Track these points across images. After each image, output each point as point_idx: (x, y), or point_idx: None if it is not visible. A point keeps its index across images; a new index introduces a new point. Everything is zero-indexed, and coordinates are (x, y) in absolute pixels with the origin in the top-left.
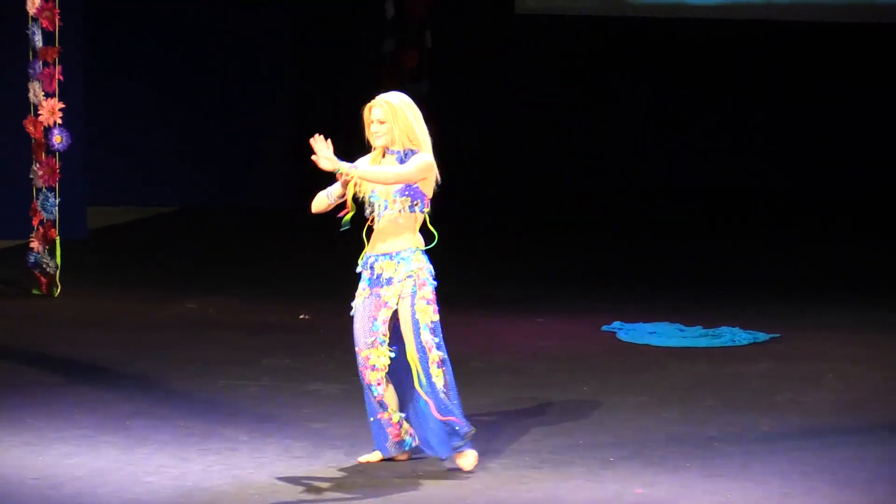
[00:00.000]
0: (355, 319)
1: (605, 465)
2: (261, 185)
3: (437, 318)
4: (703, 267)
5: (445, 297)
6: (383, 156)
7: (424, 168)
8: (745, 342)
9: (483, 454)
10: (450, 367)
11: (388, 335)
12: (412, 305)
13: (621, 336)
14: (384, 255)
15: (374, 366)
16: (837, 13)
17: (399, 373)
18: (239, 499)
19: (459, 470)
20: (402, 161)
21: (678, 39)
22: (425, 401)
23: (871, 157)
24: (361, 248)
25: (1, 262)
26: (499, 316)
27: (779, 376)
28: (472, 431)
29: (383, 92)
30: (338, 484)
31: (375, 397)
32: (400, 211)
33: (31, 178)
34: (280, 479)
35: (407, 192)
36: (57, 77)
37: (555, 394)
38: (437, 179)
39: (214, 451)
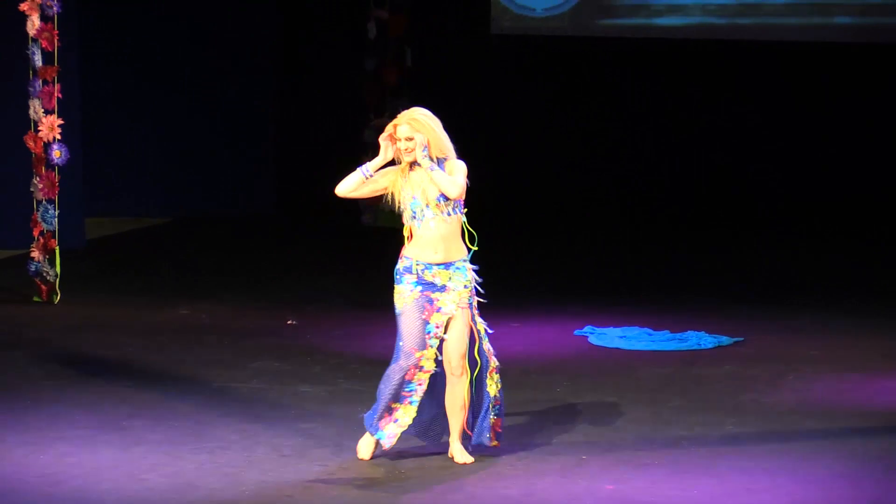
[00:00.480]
0: (405, 319)
1: (577, 462)
2: (248, 195)
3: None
4: (670, 275)
5: None
6: (411, 168)
7: (465, 173)
8: (710, 346)
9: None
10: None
11: (440, 340)
12: (473, 316)
13: (593, 340)
14: (439, 264)
15: (422, 367)
16: (794, 32)
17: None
18: (231, 495)
19: (444, 467)
20: (433, 170)
21: (646, 58)
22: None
23: (832, 166)
24: (345, 254)
25: (3, 270)
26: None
27: (742, 378)
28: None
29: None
30: (325, 481)
31: (408, 393)
32: (447, 214)
33: (32, 191)
34: (270, 476)
35: (446, 197)
36: (56, 95)
37: (529, 395)
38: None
39: (207, 451)
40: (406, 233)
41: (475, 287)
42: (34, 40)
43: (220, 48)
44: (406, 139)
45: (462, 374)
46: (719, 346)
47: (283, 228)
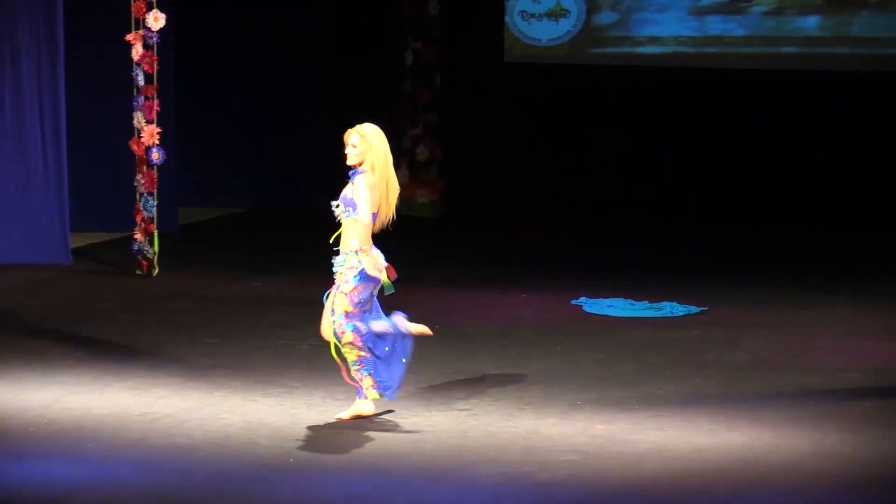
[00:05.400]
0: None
1: (573, 407)
2: (310, 189)
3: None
4: (649, 255)
5: (454, 277)
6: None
7: (360, 194)
8: (681, 314)
9: (478, 398)
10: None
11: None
12: (336, 295)
13: (586, 308)
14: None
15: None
16: (749, 60)
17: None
18: (294, 430)
19: (466, 409)
20: (352, 176)
21: (631, 80)
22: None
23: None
24: (386, 237)
25: (112, 249)
26: (491, 292)
27: (707, 339)
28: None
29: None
30: (371, 419)
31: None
32: (346, 214)
33: (135, 185)
34: (325, 416)
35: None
36: (155, 108)
37: (534, 352)
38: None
39: (274, 395)
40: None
41: (351, 275)
42: (138, 64)
43: (287, 68)
44: (351, 145)
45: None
46: (688, 315)
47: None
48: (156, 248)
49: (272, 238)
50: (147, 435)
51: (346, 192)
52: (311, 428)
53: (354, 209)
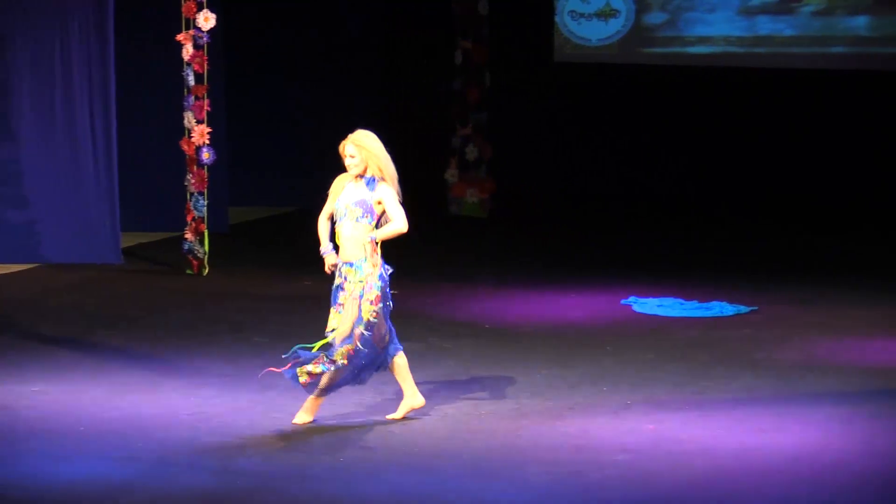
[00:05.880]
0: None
1: (623, 406)
2: None
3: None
4: (699, 255)
5: (504, 276)
6: (356, 180)
7: (396, 199)
8: (730, 313)
9: (528, 397)
10: None
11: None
12: (360, 305)
13: (635, 308)
14: (346, 263)
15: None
16: (799, 60)
17: None
18: (344, 430)
19: (516, 409)
20: (368, 184)
21: (680, 79)
22: None
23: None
24: (435, 236)
25: (163, 248)
26: (541, 292)
27: (756, 339)
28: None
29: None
30: (418, 418)
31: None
32: (356, 220)
33: (186, 185)
34: (375, 413)
35: (365, 202)
36: (205, 108)
37: (584, 352)
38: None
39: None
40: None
41: (375, 284)
42: (188, 64)
43: (337, 70)
44: (349, 156)
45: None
46: (738, 314)
47: None
48: (206, 247)
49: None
50: (197, 434)
51: (363, 196)
52: (360, 427)
53: (372, 216)
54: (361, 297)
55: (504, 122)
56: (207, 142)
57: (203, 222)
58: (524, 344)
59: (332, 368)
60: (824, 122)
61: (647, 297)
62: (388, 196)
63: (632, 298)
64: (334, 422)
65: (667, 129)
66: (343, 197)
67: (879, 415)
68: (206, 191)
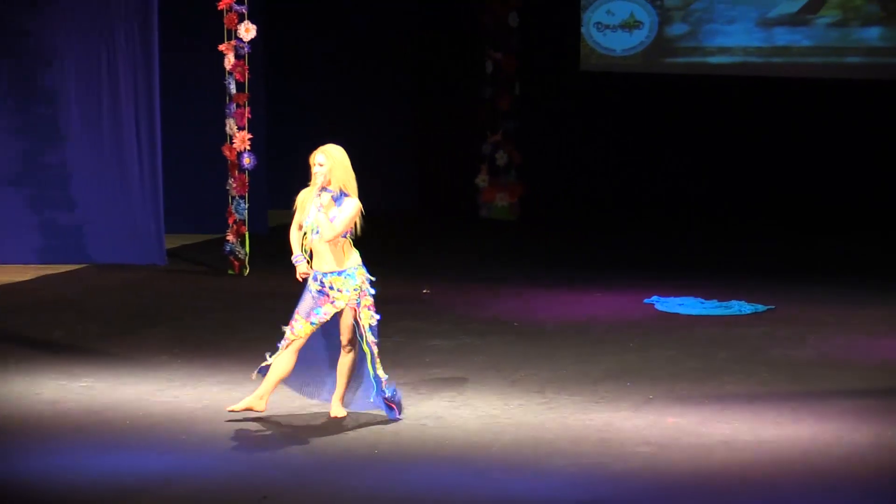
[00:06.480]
0: (303, 297)
1: (646, 400)
2: (395, 193)
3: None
4: (718, 256)
5: (533, 276)
6: (319, 193)
7: (353, 216)
8: (748, 312)
9: (555, 392)
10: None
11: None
12: (359, 312)
13: (658, 307)
14: (332, 272)
15: (293, 329)
16: (816, 69)
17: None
18: (379, 423)
19: (543, 403)
20: (337, 200)
21: (701, 88)
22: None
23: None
24: (466, 239)
25: (206, 249)
26: (567, 291)
27: (773, 337)
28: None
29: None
30: (451, 411)
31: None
32: None
33: (227, 189)
34: (411, 406)
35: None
36: (246, 116)
37: (608, 348)
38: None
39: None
40: (307, 247)
41: (366, 289)
42: (230, 73)
43: (372, 79)
44: (318, 164)
45: (349, 351)
46: (756, 313)
47: (422, 219)
48: (247, 248)
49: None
50: (238, 427)
51: (335, 214)
52: (395, 421)
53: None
54: (359, 304)
55: (532, 129)
56: (248, 147)
57: (244, 224)
58: (551, 341)
59: (384, 377)
60: (839, 129)
61: (668, 296)
62: (349, 210)
63: (654, 298)
64: (369, 415)
65: (687, 136)
66: (314, 214)
67: (890, 410)
68: (246, 194)
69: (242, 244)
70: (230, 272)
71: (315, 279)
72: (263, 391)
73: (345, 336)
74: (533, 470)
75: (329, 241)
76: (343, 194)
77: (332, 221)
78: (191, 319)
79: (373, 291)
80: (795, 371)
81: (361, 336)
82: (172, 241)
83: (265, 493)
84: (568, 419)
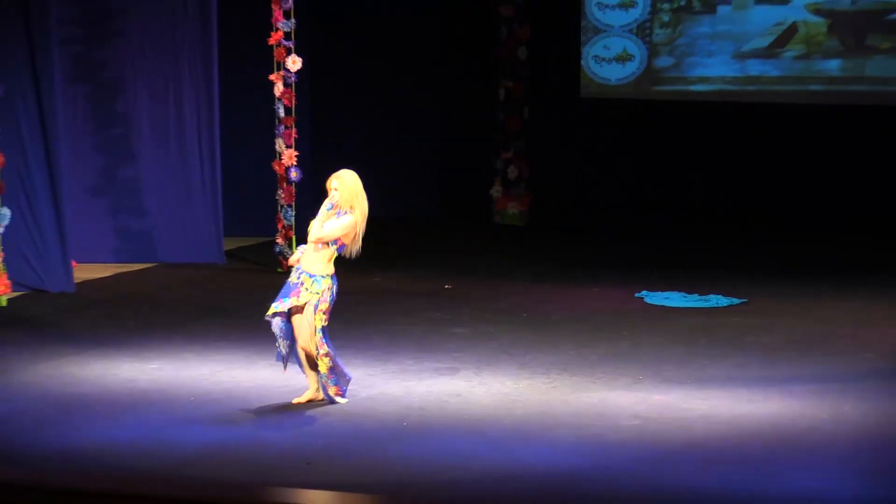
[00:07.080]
0: (288, 281)
1: (636, 381)
2: (418, 200)
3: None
4: (699, 256)
5: (539, 274)
6: (329, 207)
7: (341, 228)
8: (725, 304)
9: (558, 373)
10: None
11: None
12: (313, 313)
13: (647, 300)
14: (305, 272)
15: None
16: (782, 96)
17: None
18: (408, 400)
19: (548, 382)
20: (339, 213)
21: (685, 113)
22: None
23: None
24: (482, 241)
25: (258, 250)
26: (569, 287)
27: (746, 326)
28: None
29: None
30: (469, 392)
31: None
32: (320, 246)
33: (277, 199)
34: (433, 388)
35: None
36: (293, 135)
37: (604, 336)
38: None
39: (391, 371)
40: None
41: (326, 297)
42: (279, 99)
43: (400, 105)
44: (334, 189)
45: (304, 346)
46: (731, 305)
47: (444, 224)
48: (293, 250)
49: (388, 239)
50: (287, 403)
51: (327, 221)
52: (421, 397)
53: (334, 245)
54: (316, 307)
55: (539, 147)
56: (295, 163)
57: (291, 229)
58: (555, 329)
59: (326, 374)
60: (803, 149)
61: (656, 290)
62: (342, 222)
63: (644, 292)
64: (399, 393)
65: (672, 154)
66: (319, 220)
67: (846, 389)
68: (293, 203)
69: (290, 246)
70: (279, 270)
71: (297, 270)
72: (312, 381)
73: (298, 332)
74: (539, 440)
75: (313, 242)
76: (347, 211)
77: (323, 227)
78: (245, 311)
79: (331, 300)
80: (765, 355)
81: (316, 335)
82: (230, 243)
83: (310, 459)
84: (569, 396)
